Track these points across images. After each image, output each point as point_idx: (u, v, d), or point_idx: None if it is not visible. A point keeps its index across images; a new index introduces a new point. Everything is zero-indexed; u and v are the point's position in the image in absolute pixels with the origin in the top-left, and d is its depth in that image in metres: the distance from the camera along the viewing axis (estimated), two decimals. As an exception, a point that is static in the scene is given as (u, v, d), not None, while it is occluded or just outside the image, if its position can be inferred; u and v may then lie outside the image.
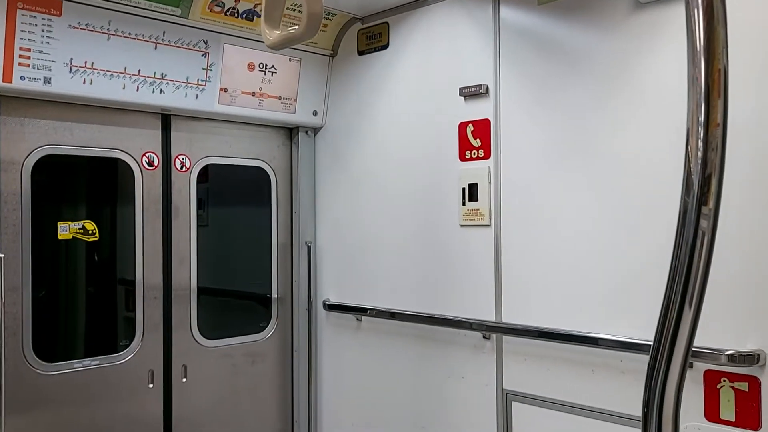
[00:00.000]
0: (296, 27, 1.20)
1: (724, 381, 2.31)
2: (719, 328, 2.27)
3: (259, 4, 3.29)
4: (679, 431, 0.81)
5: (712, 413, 2.33)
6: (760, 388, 2.22)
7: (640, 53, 2.57)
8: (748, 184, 2.23)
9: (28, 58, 2.78)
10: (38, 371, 3.00)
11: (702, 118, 0.76)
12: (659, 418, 0.77)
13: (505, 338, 3.03)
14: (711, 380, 2.33)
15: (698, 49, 0.77)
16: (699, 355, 2.30)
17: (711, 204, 0.75)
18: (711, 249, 0.77)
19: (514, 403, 2.99)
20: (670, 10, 2.48)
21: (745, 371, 2.25)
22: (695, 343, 2.24)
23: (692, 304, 0.77)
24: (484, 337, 3.10)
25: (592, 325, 2.68)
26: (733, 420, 2.28)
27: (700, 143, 0.76)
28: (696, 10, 0.77)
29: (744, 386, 2.26)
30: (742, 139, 2.22)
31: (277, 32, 1.27)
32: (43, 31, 2.79)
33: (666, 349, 0.78)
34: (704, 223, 0.76)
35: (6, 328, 2.74)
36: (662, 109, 2.49)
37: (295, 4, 3.20)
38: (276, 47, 1.31)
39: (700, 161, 0.76)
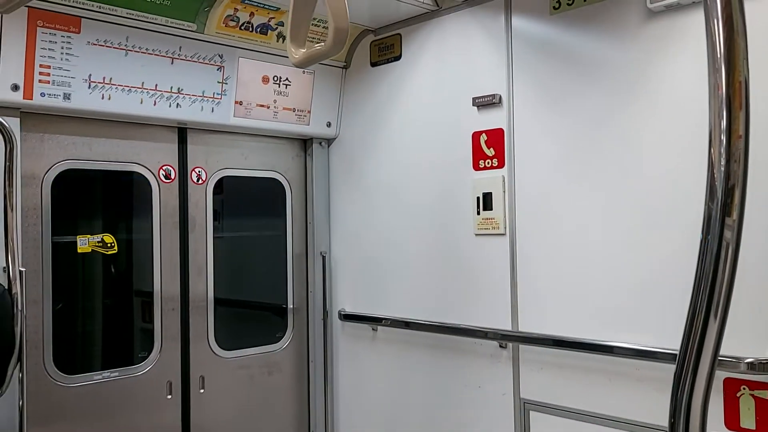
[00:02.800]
0: (322, 44, 1.22)
1: (744, 389, 2.29)
2: (739, 336, 2.26)
3: (273, 17, 3.33)
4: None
5: (732, 421, 2.31)
6: (781, 396, 2.21)
7: (653, 62, 2.58)
8: None
9: (48, 75, 2.82)
10: (59, 383, 3.03)
11: (724, 129, 0.77)
12: (686, 429, 0.78)
13: (522, 347, 3.02)
14: (731, 388, 2.32)
15: (719, 61, 0.78)
16: (719, 363, 2.28)
17: (735, 215, 0.76)
18: (735, 260, 0.77)
19: (531, 413, 2.99)
20: (683, 18, 2.48)
21: (765, 379, 2.24)
22: (714, 351, 2.22)
23: (717, 315, 0.78)
24: (500, 346, 3.10)
25: (609, 333, 2.67)
26: (754, 428, 2.27)
27: (723, 155, 0.77)
28: (715, 22, 0.78)
29: (764, 394, 2.25)
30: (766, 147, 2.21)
31: (303, 50, 1.28)
32: (62, 48, 2.84)
33: (692, 360, 0.79)
34: (728, 234, 0.77)
35: (27, 341, 2.78)
36: (676, 116, 2.49)
37: (318, 21, 3.23)
38: (302, 65, 1.32)
39: (723, 172, 0.77)
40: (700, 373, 0.78)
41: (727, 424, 2.32)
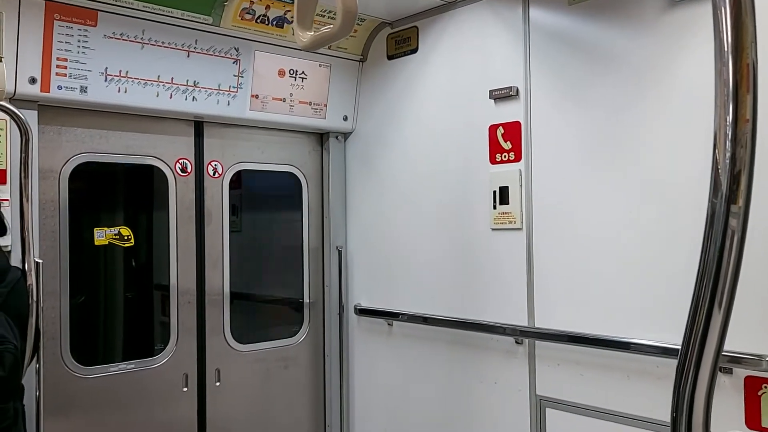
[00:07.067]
0: (330, 26, 1.19)
1: (766, 387, 2.24)
2: (760, 332, 2.20)
3: (290, 11, 3.32)
4: (712, 437, 0.78)
5: (753, 420, 2.26)
6: (804, 394, 2.16)
7: (672, 52, 2.52)
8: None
9: (65, 68, 2.85)
10: (76, 374, 3.06)
11: (730, 114, 0.74)
12: (689, 424, 0.75)
13: (538, 343, 2.99)
14: (752, 386, 2.27)
15: (725, 44, 0.75)
16: (739, 360, 2.24)
17: (740, 202, 0.73)
18: (741, 248, 0.74)
19: (547, 409, 2.95)
20: (703, 7, 2.42)
21: (788, 377, 2.18)
22: (735, 349, 2.17)
23: (722, 305, 0.74)
24: (516, 342, 3.06)
25: (627, 330, 2.63)
26: (776, 427, 2.21)
27: (729, 140, 0.74)
28: (723, 3, 0.75)
29: (787, 393, 2.19)
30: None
31: (310, 33, 1.26)
32: (79, 41, 2.86)
33: (695, 352, 0.76)
34: (734, 222, 0.73)
35: (44, 332, 2.80)
36: (696, 108, 2.43)
37: (325, 10, 3.22)
38: (310, 48, 1.30)
39: (728, 159, 0.74)
40: (703, 366, 0.75)
41: (748, 423, 2.27)
